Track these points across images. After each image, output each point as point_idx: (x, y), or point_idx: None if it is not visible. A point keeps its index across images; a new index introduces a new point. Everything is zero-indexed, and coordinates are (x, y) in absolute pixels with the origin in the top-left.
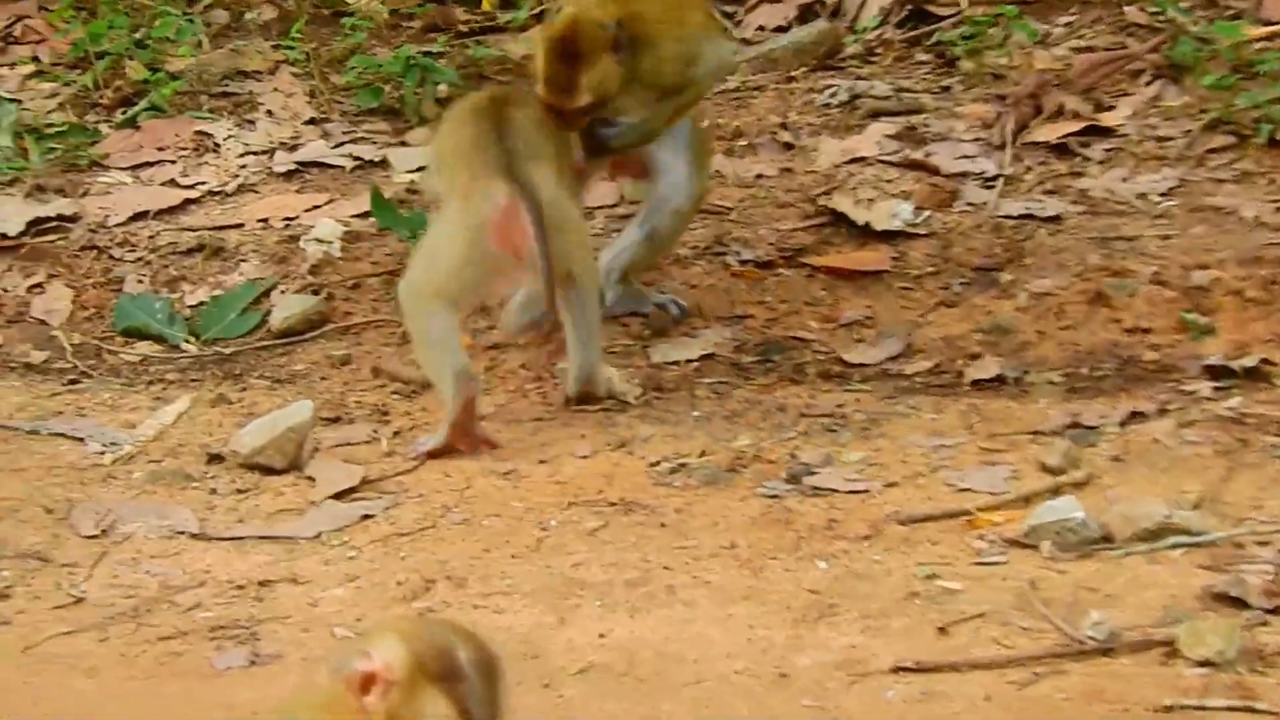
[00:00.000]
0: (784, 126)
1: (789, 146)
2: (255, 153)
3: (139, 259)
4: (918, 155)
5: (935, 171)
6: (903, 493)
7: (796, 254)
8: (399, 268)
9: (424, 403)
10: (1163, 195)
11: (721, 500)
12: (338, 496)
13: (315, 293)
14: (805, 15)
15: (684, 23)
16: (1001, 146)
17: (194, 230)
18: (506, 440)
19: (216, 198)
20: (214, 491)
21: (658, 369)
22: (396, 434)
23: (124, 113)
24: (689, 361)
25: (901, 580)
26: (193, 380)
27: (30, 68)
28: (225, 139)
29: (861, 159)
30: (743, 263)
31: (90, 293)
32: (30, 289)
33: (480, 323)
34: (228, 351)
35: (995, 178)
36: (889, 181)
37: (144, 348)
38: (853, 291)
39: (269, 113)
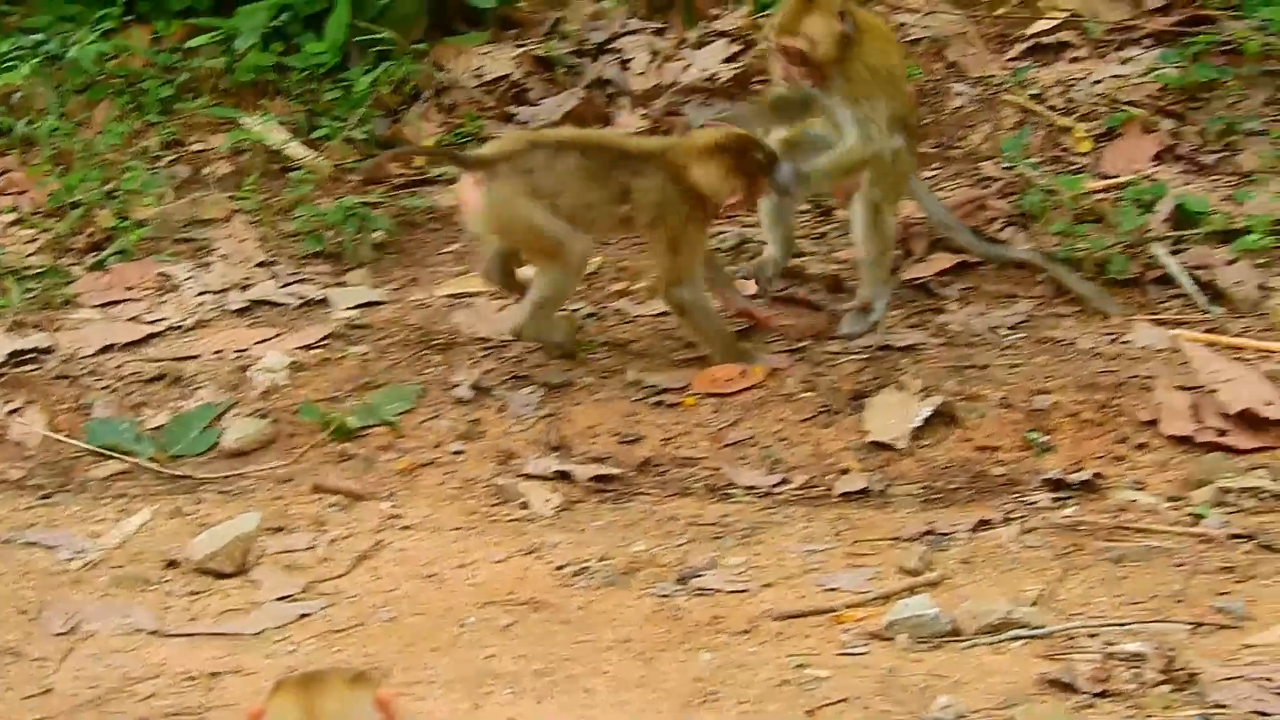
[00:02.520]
0: None
1: None
2: (211, 292)
3: (106, 386)
4: (801, 292)
5: (817, 308)
6: (778, 592)
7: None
8: (338, 394)
9: (358, 514)
10: (1011, 329)
11: (619, 599)
12: (280, 598)
13: (263, 417)
14: None
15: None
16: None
17: (156, 361)
18: (429, 548)
19: (176, 332)
20: (170, 594)
21: (567, 482)
22: (333, 542)
23: (95, 256)
24: (593, 478)
25: (775, 670)
26: (153, 495)
27: (12, 216)
28: (185, 279)
29: (753, 295)
30: (643, 388)
31: (63, 417)
32: (9, 413)
33: (402, 440)
34: (185, 469)
35: None
36: (776, 314)
37: (110, 466)
38: (736, 412)
39: (224, 256)
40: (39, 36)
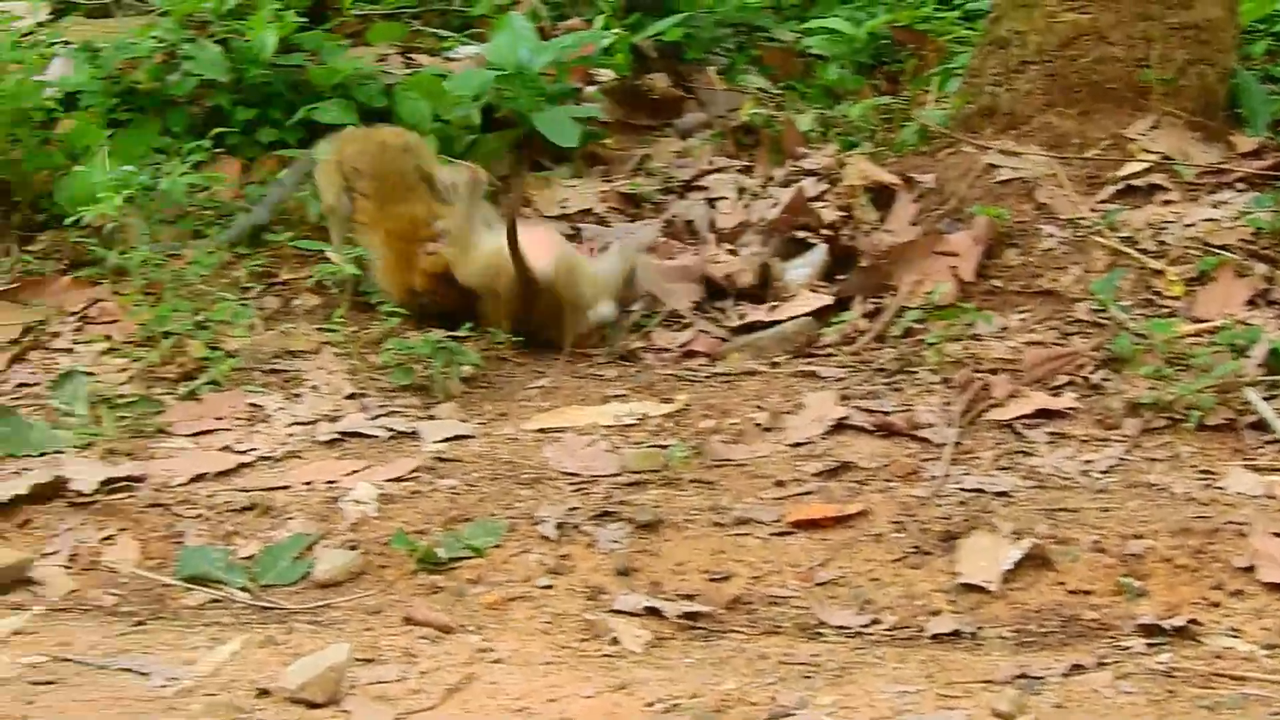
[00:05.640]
0: (759, 408)
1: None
2: (301, 423)
3: (198, 515)
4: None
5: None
6: None
7: (779, 518)
8: (427, 526)
9: (448, 647)
10: (1103, 473)
11: None
12: None
13: (353, 548)
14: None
15: None
16: (961, 427)
17: (247, 491)
18: (519, 681)
19: (267, 462)
20: None
21: (657, 618)
22: (423, 674)
23: (186, 386)
24: (683, 615)
25: None
26: (244, 624)
27: (104, 345)
28: (275, 410)
29: None
30: (738, 521)
31: (155, 544)
32: (102, 540)
33: (491, 573)
34: (276, 599)
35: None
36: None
37: (202, 594)
38: (826, 551)
39: (314, 388)
40: (130, 168)
